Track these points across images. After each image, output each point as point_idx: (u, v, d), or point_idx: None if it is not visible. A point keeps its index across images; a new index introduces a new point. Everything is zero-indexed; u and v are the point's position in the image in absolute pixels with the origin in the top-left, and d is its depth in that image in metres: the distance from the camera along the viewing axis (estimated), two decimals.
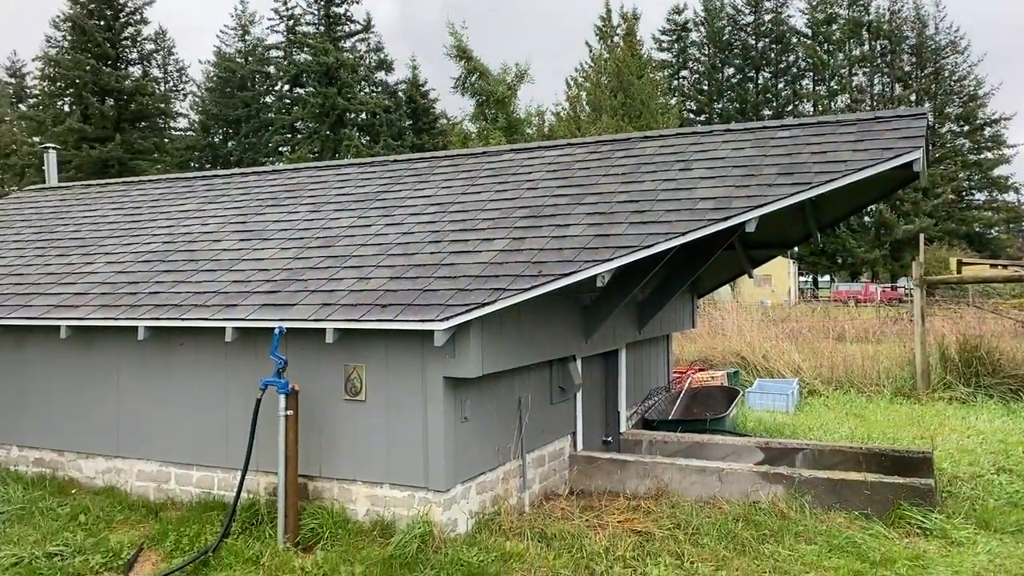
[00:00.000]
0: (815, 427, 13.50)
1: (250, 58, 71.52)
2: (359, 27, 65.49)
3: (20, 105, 65.90)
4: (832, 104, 76.73)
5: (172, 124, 67.51)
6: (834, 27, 78.25)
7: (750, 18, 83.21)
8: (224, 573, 6.93)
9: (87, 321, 8.87)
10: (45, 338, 9.59)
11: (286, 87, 67.67)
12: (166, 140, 63.55)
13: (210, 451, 8.62)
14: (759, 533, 7.66)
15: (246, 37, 73.84)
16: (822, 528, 7.84)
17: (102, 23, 58.26)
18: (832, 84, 78.21)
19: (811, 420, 14.21)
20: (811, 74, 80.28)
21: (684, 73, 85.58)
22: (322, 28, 64.68)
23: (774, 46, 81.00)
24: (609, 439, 10.96)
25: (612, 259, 7.30)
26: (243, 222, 10.96)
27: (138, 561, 7.34)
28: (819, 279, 75.02)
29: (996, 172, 73.56)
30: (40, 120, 57.10)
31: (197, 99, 72.50)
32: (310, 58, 62.50)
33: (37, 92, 63.19)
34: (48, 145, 16.81)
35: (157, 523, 8.13)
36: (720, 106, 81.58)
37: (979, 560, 7.14)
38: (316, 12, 65.80)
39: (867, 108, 71.95)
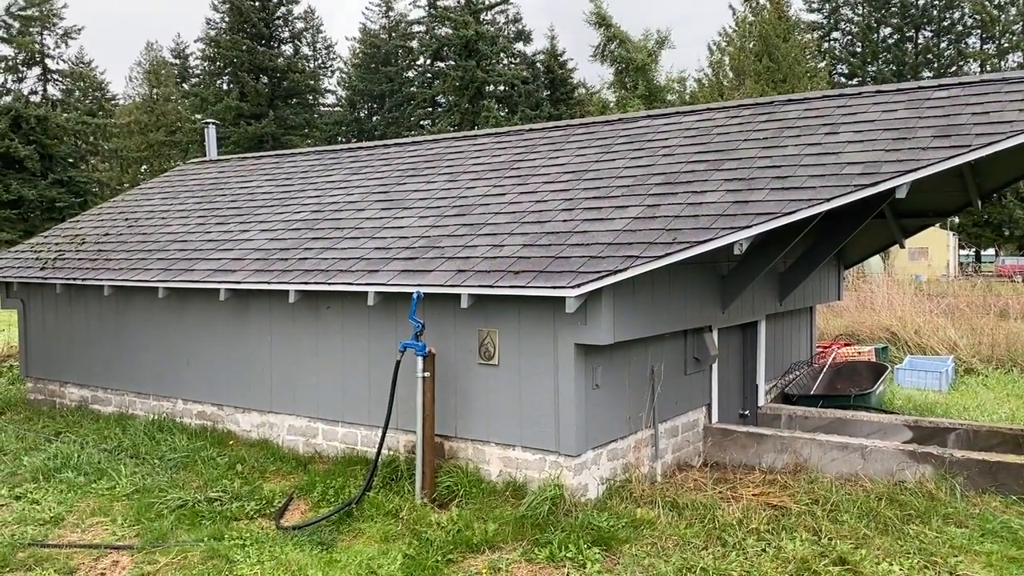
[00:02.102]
0: (971, 407, 12.72)
1: (393, 34, 73.28)
2: None
3: (183, 85, 70.32)
4: (1002, 63, 70.54)
5: (321, 100, 70.35)
6: None
7: None
8: (366, 524, 7.29)
9: (243, 285, 9.47)
10: (206, 300, 10.31)
11: (427, 61, 68.99)
12: (315, 116, 66.32)
13: (354, 409, 9.08)
14: (904, 513, 7.33)
15: (390, 13, 75.69)
16: (974, 511, 7.42)
17: (257, 3, 61.26)
18: (1002, 42, 72.02)
19: (967, 400, 13.39)
20: (978, 31, 74.21)
21: (835, 35, 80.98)
22: (462, 1, 65.38)
23: (936, 2, 75.30)
24: (746, 412, 10.73)
25: (751, 226, 7.11)
26: (385, 192, 11.35)
27: (288, 509, 7.84)
28: (982, 253, 69.80)
29: None
30: (203, 97, 60.90)
31: (344, 75, 75.06)
32: (451, 31, 63.39)
33: (199, 72, 67.31)
34: (209, 121, 17.88)
35: (305, 475, 8.66)
36: (874, 69, 76.67)
37: None
38: None
39: None
